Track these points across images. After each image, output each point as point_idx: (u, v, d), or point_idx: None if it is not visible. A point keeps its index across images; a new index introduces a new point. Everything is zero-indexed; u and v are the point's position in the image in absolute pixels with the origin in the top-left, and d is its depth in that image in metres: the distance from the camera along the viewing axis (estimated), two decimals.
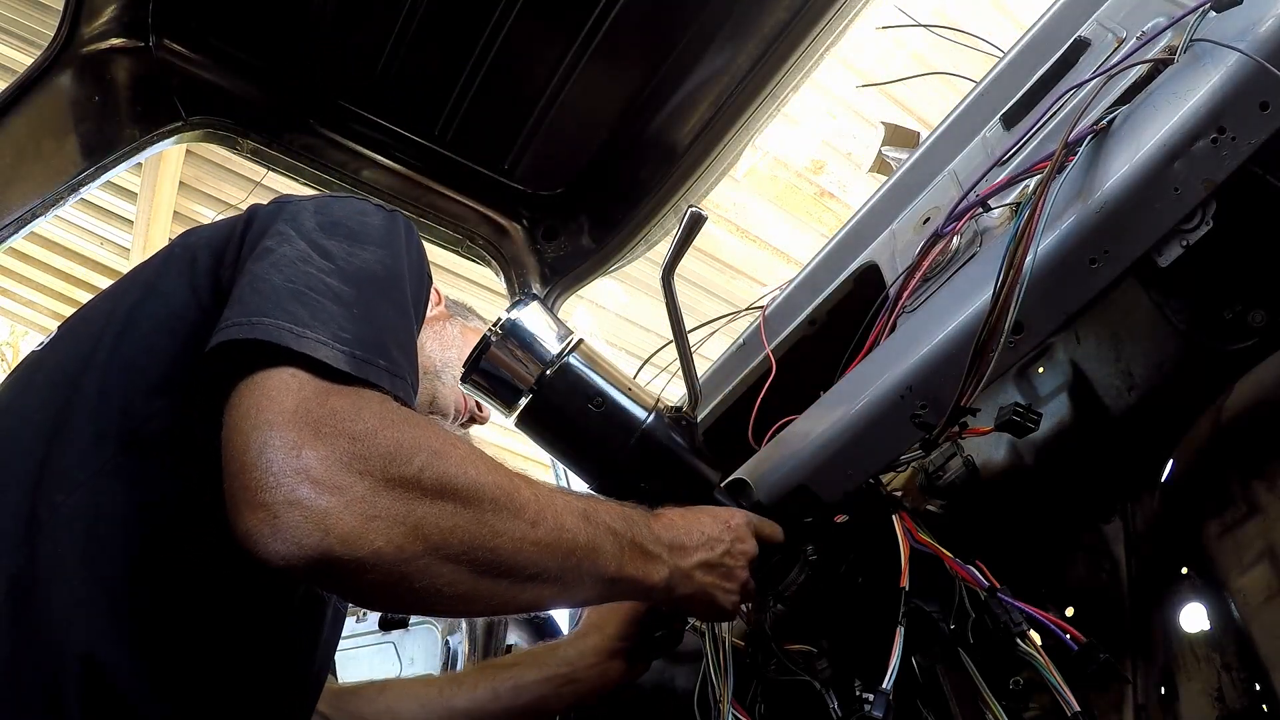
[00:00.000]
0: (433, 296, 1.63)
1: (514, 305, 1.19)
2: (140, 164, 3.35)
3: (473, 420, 1.55)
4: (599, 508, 0.96)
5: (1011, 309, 0.87)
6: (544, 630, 1.98)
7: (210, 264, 1.01)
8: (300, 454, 0.73)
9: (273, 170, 2.21)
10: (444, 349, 1.57)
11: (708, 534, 1.07)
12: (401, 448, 0.78)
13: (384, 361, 0.86)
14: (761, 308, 1.63)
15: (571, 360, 1.15)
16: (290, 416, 0.75)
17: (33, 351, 1.09)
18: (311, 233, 0.97)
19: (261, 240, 0.96)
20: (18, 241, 1.78)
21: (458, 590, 0.82)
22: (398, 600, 0.81)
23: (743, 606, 1.13)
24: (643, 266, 2.90)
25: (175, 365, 0.94)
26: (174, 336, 0.96)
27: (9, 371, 1.10)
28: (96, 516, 0.89)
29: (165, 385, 0.94)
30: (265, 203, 1.10)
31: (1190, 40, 0.89)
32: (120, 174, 1.96)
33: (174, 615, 0.91)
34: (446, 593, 0.81)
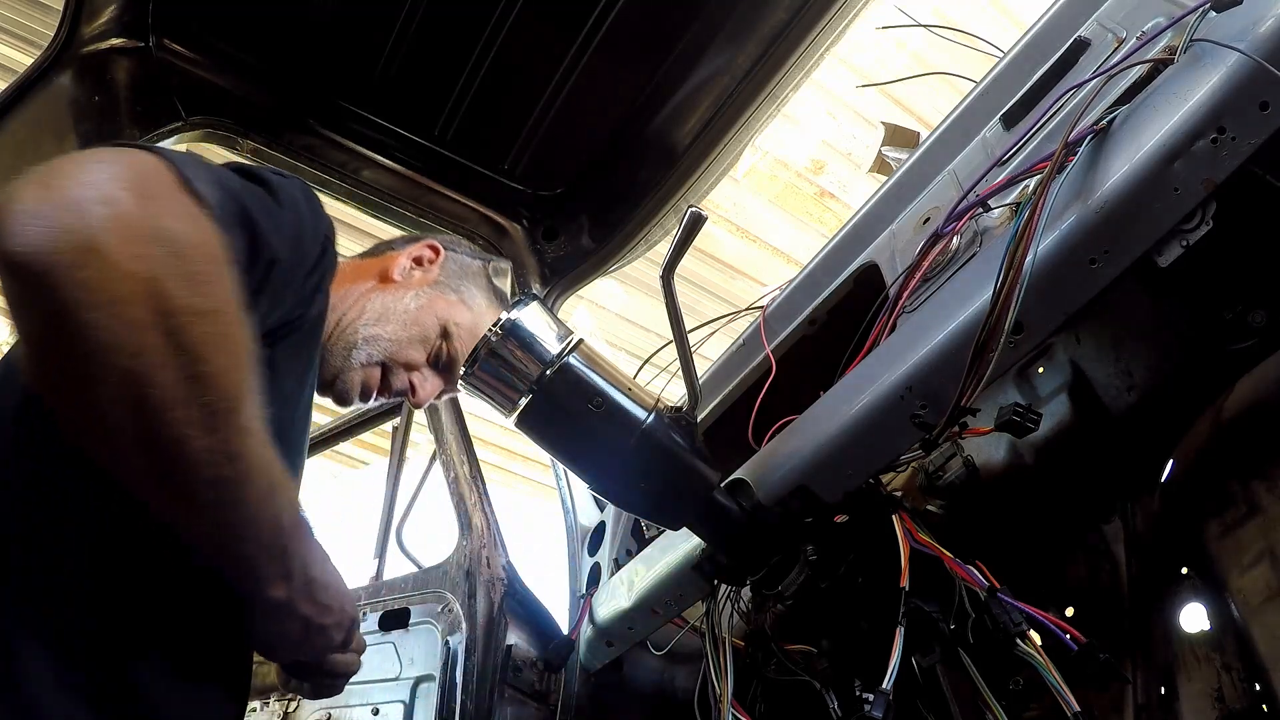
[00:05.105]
0: (427, 252, 1.53)
1: (514, 305, 1.19)
2: None
3: None
4: (279, 477, 0.88)
5: (1011, 309, 0.87)
6: (544, 631, 1.98)
7: None
8: (103, 167, 0.74)
9: None
10: (367, 321, 1.44)
11: (334, 602, 1.00)
12: (159, 233, 0.75)
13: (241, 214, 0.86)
14: (761, 308, 1.63)
15: (571, 360, 1.15)
16: (123, 162, 0.76)
17: None
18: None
19: None
20: None
21: (120, 403, 0.75)
22: (50, 374, 0.76)
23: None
24: (643, 266, 2.90)
25: None
26: None
27: None
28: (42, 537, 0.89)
29: None
30: None
31: (1190, 40, 0.89)
32: None
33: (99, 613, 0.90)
34: (110, 395, 0.74)
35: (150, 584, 0.94)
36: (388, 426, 2.61)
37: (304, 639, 1.01)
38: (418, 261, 1.53)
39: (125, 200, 0.75)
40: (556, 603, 2.06)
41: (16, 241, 0.70)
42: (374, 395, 1.46)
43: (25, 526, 0.90)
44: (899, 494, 1.23)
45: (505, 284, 1.68)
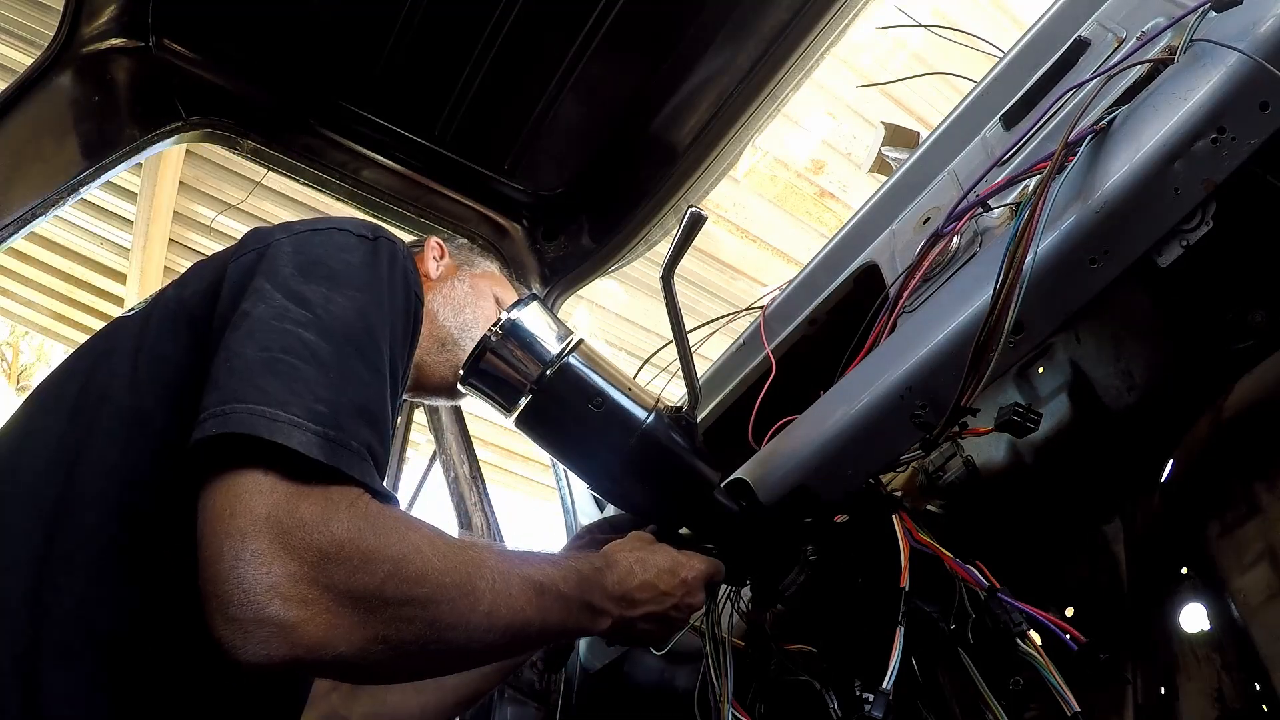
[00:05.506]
0: (434, 250, 1.63)
1: (514, 305, 1.19)
2: (140, 164, 3.35)
3: None
4: (555, 575, 1.00)
5: (1011, 309, 0.87)
6: None
7: (205, 328, 1.00)
8: (270, 569, 0.76)
9: (273, 170, 2.21)
10: (457, 312, 1.57)
11: (660, 589, 1.11)
12: (367, 560, 0.82)
13: (356, 443, 0.87)
14: (761, 308, 1.63)
15: (571, 360, 1.15)
16: (261, 525, 0.78)
17: (15, 414, 1.07)
18: (289, 279, 0.97)
19: (240, 301, 0.95)
20: (18, 241, 1.77)
21: (417, 670, 0.95)
22: (364, 680, 0.95)
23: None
24: (643, 266, 2.90)
25: (176, 432, 0.92)
26: (175, 407, 0.95)
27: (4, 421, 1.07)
28: (95, 600, 0.89)
29: (166, 452, 0.93)
30: (259, 228, 1.09)
31: (1190, 40, 0.89)
32: (120, 174, 1.95)
33: (168, 695, 0.91)
34: (407, 674, 0.95)
35: (184, 641, 0.93)
36: None
37: (667, 628, 1.13)
38: (438, 256, 1.65)
39: (296, 590, 0.79)
40: None
41: (255, 656, 0.76)
42: None
43: (68, 563, 0.91)
44: (899, 494, 1.23)
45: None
